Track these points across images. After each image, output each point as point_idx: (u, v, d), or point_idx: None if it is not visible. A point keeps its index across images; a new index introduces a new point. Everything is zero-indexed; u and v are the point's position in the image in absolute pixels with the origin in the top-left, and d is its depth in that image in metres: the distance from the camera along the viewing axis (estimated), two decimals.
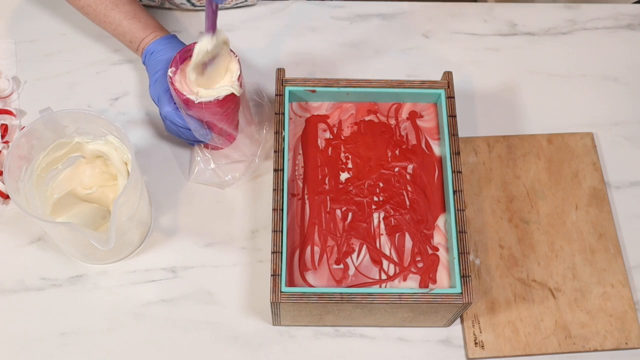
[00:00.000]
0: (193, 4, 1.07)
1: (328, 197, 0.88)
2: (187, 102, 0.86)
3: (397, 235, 0.87)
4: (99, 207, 0.93)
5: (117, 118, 1.01)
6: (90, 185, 0.92)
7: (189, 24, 1.08)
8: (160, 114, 0.92)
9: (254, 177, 0.98)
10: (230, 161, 0.97)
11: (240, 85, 0.88)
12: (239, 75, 0.87)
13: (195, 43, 0.88)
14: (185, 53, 0.88)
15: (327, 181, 0.89)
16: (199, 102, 0.85)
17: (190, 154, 0.98)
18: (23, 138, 0.84)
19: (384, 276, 0.85)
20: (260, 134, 0.98)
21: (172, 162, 0.99)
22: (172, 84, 0.86)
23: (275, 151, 0.87)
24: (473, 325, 0.91)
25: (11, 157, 0.83)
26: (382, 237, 0.87)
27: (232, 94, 0.86)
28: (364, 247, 0.86)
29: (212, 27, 0.82)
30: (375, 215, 0.88)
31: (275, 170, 0.86)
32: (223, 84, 0.87)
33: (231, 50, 0.87)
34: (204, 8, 1.07)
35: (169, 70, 0.87)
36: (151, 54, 0.93)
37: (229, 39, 0.87)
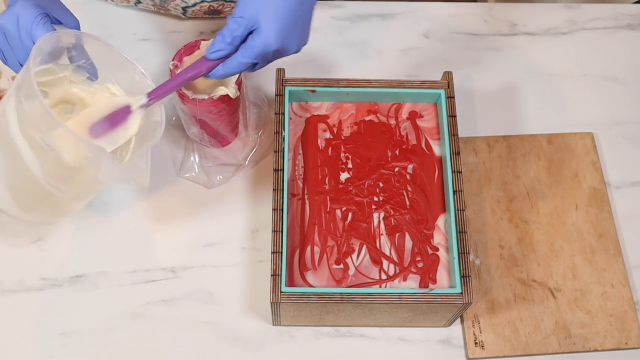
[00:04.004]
0: (184, 13, 1.07)
1: (328, 197, 0.88)
2: (182, 97, 0.86)
3: (397, 235, 0.87)
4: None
5: None
6: None
7: (185, 27, 1.09)
8: None
9: (251, 177, 0.98)
10: (221, 163, 0.97)
11: (239, 89, 0.88)
12: (238, 79, 0.87)
13: (201, 40, 0.88)
14: (190, 48, 0.88)
15: (327, 181, 0.89)
16: (192, 98, 0.86)
17: (184, 150, 0.98)
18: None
19: (384, 276, 0.85)
20: (255, 139, 0.98)
21: (171, 163, 0.99)
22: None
23: (275, 151, 0.87)
24: (473, 325, 0.91)
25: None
26: (382, 237, 0.87)
27: (228, 96, 0.86)
28: (364, 247, 0.86)
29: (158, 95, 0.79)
30: (375, 215, 0.88)
31: (275, 170, 0.86)
32: (219, 84, 0.87)
33: None
34: (195, 17, 1.07)
35: (171, 63, 0.87)
36: None
37: None
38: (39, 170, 0.76)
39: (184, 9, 1.04)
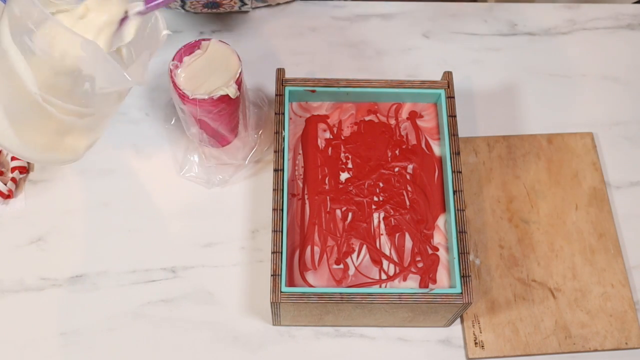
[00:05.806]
0: (184, 8, 1.07)
1: (328, 197, 0.88)
2: (182, 96, 0.86)
3: (397, 235, 0.87)
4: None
5: (118, 118, 1.01)
6: None
7: (185, 27, 1.09)
8: None
9: (251, 177, 0.98)
10: (221, 163, 0.97)
11: (239, 89, 0.88)
12: (237, 79, 0.87)
13: (201, 40, 0.88)
14: (190, 48, 0.89)
15: (327, 181, 0.89)
16: (192, 98, 0.86)
17: (184, 150, 0.99)
18: None
19: (384, 276, 0.85)
20: (254, 139, 0.98)
21: (171, 163, 0.99)
22: (172, 77, 0.87)
23: (275, 151, 0.87)
24: (473, 325, 0.91)
25: None
26: (382, 237, 0.87)
27: (227, 96, 0.86)
28: (364, 247, 0.86)
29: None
30: (375, 215, 0.88)
31: (275, 170, 0.86)
32: (219, 84, 0.87)
33: (238, 56, 0.88)
34: (195, 11, 1.08)
35: (171, 63, 0.87)
36: None
37: (227, 40, 0.86)
38: (34, 82, 0.73)
39: (182, 1, 1.04)
